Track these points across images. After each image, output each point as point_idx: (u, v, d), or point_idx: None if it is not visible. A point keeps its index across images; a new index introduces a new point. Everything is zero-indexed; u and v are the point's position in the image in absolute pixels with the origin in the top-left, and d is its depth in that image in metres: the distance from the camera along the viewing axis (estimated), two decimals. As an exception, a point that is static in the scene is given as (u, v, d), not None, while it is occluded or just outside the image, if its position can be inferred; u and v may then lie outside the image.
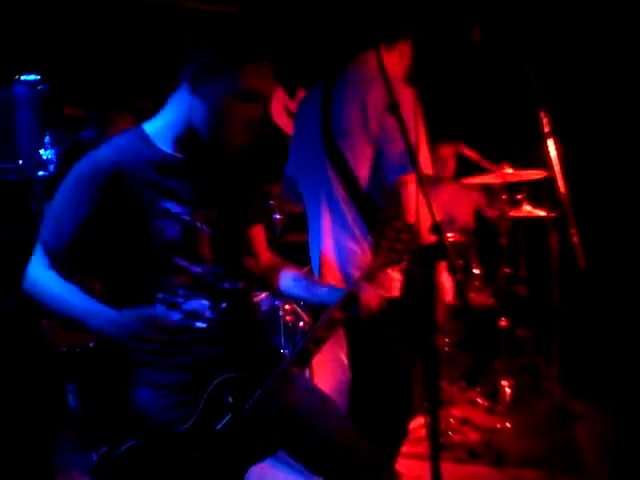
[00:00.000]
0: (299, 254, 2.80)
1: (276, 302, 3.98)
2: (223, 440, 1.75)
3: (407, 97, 2.32)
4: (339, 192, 2.48)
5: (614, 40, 4.09)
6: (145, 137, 1.84)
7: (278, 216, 4.30)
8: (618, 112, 4.19)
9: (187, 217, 1.83)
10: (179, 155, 1.84)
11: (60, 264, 1.84)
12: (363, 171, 2.42)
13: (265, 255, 2.13)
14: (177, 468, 1.72)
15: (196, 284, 1.85)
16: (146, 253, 1.81)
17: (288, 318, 3.96)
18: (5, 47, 4.67)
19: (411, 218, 2.29)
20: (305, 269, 3.58)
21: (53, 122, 5.22)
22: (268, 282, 2.12)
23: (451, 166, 4.67)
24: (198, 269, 1.85)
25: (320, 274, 2.59)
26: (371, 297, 1.85)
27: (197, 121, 1.79)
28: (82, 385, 3.38)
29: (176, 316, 1.83)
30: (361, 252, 2.44)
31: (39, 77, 5.32)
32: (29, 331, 3.55)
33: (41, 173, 4.94)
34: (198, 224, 1.85)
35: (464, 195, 4.69)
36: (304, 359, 1.82)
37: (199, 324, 1.85)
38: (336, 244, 2.51)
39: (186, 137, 1.83)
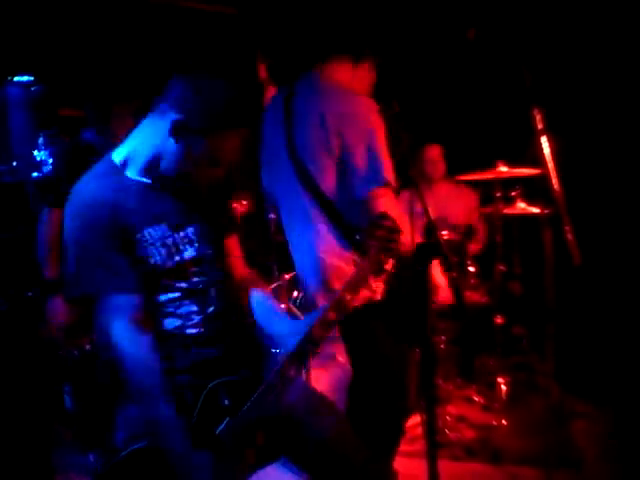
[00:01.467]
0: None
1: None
2: (222, 443, 1.75)
3: (362, 109, 2.34)
4: (312, 208, 2.47)
5: (607, 37, 4.10)
6: (116, 168, 1.85)
7: (272, 215, 4.30)
8: (612, 109, 4.20)
9: (168, 240, 1.85)
10: (149, 181, 1.86)
11: (139, 306, 1.79)
12: (330, 186, 2.41)
13: (239, 269, 2.12)
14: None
15: (184, 295, 1.88)
16: (138, 277, 1.82)
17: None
18: (-2, 49, 4.66)
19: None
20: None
21: (47, 123, 5.21)
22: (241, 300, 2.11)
23: (441, 166, 4.68)
24: (184, 284, 1.88)
25: (306, 287, 2.59)
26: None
27: (166, 157, 1.81)
28: (80, 386, 3.38)
29: (170, 322, 1.86)
30: (345, 265, 2.43)
31: (32, 78, 5.31)
32: (27, 331, 3.54)
33: (35, 174, 4.93)
34: (180, 246, 1.87)
35: (458, 193, 4.70)
36: (300, 360, 1.83)
37: (190, 329, 1.87)
38: (316, 259, 2.50)
39: (154, 166, 1.84)
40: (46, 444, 3.43)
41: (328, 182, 2.41)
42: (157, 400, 1.73)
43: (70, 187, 3.14)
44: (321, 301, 2.48)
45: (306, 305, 2.59)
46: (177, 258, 1.86)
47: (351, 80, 2.52)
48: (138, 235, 1.81)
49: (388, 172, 2.31)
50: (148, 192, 1.85)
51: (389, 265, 1.86)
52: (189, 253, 1.88)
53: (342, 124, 2.33)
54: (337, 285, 2.42)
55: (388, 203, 2.30)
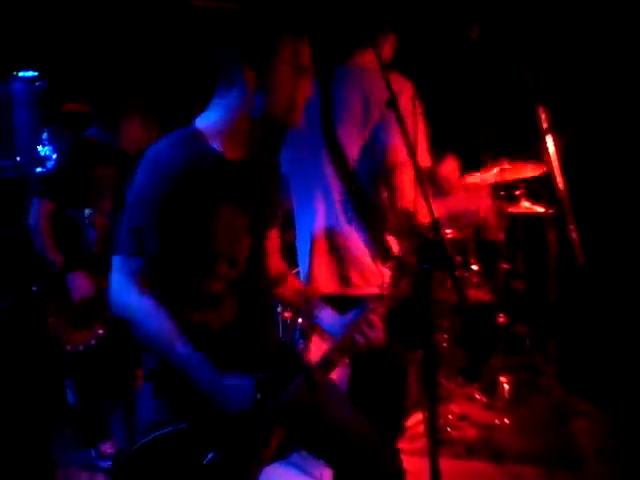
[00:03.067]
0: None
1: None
2: (246, 436, 1.76)
3: (405, 90, 2.33)
4: (336, 189, 2.48)
5: (611, 36, 4.09)
6: (200, 135, 1.82)
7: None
8: (616, 108, 4.19)
9: (234, 223, 1.85)
10: (230, 155, 1.84)
11: (147, 272, 1.79)
12: (361, 165, 2.42)
13: (276, 261, 2.13)
14: (201, 461, 1.73)
15: (229, 287, 1.87)
16: (194, 256, 1.82)
17: (286, 315, 3.95)
18: (3, 44, 4.66)
19: (405, 203, 2.30)
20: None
21: (51, 119, 5.22)
22: (274, 291, 2.13)
23: (455, 179, 4.65)
24: (234, 274, 1.87)
25: (310, 272, 2.58)
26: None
27: (257, 109, 1.80)
28: (83, 382, 3.38)
29: (208, 315, 1.86)
30: (354, 246, 2.44)
31: (37, 74, 5.32)
32: (29, 326, 3.55)
33: (39, 170, 4.94)
34: (242, 231, 1.87)
35: (472, 196, 4.67)
36: (328, 367, 1.85)
37: (227, 323, 1.87)
38: (330, 243, 2.50)
39: (238, 134, 1.84)
40: (46, 439, 3.43)
41: (361, 162, 2.42)
42: (169, 341, 1.73)
43: (72, 183, 3.16)
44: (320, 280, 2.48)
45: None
46: (236, 241, 1.85)
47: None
48: (210, 211, 1.79)
49: (420, 152, 2.31)
50: (227, 168, 1.83)
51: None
52: (246, 239, 1.88)
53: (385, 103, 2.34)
54: (345, 266, 2.44)
55: (408, 176, 2.29)
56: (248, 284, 1.91)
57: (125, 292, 1.78)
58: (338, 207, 2.48)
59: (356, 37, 2.57)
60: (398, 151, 2.32)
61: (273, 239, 2.09)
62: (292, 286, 2.13)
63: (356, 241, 2.46)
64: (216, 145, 1.83)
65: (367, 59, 2.52)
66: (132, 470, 1.72)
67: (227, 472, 1.75)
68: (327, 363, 1.84)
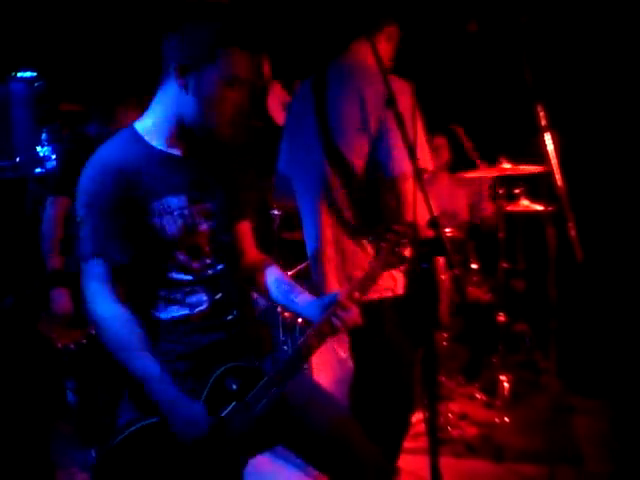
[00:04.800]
0: (297, 250, 2.80)
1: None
2: (226, 428, 1.77)
3: (404, 91, 2.31)
4: (337, 190, 2.47)
5: (611, 32, 4.09)
6: (138, 137, 1.86)
7: (276, 212, 4.30)
8: (615, 105, 4.19)
9: (186, 212, 1.85)
10: (173, 151, 1.87)
11: (113, 273, 1.80)
12: (361, 168, 2.41)
13: (252, 252, 2.14)
14: (180, 454, 1.74)
15: (195, 279, 1.88)
16: (149, 251, 1.83)
17: (286, 314, 3.95)
18: (1, 45, 4.66)
19: (410, 214, 2.29)
20: (303, 266, 3.56)
21: (49, 119, 5.21)
22: (252, 280, 2.12)
23: (445, 156, 4.67)
24: (197, 264, 1.88)
25: (318, 272, 2.58)
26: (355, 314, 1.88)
27: (187, 114, 1.81)
28: (80, 381, 3.38)
29: (176, 309, 1.87)
30: (361, 250, 2.44)
31: (35, 74, 5.31)
32: (28, 327, 3.55)
33: (38, 170, 4.94)
34: (197, 219, 1.87)
35: (460, 188, 4.68)
36: (306, 353, 1.86)
37: (197, 316, 1.88)
38: (335, 242, 2.50)
39: (178, 132, 1.86)
40: (46, 439, 3.43)
41: (360, 165, 2.41)
42: (135, 354, 1.75)
43: (76, 180, 3.15)
44: (333, 285, 2.49)
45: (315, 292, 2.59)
46: (192, 230, 1.86)
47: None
48: (158, 203, 1.81)
49: (421, 154, 2.29)
50: (171, 162, 1.86)
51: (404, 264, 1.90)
52: (204, 227, 1.88)
53: (383, 102, 2.30)
54: (351, 270, 2.44)
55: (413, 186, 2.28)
56: (218, 276, 1.92)
57: (96, 299, 1.79)
58: (343, 213, 2.47)
59: (352, 26, 2.54)
60: (403, 162, 2.30)
61: (244, 231, 2.10)
62: (272, 273, 2.10)
63: (362, 246, 2.45)
64: (158, 144, 1.86)
65: (363, 53, 2.48)
66: (112, 469, 1.73)
67: (210, 465, 1.76)
68: (306, 347, 1.85)
